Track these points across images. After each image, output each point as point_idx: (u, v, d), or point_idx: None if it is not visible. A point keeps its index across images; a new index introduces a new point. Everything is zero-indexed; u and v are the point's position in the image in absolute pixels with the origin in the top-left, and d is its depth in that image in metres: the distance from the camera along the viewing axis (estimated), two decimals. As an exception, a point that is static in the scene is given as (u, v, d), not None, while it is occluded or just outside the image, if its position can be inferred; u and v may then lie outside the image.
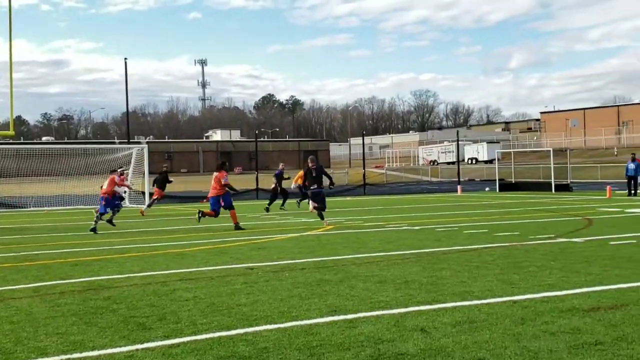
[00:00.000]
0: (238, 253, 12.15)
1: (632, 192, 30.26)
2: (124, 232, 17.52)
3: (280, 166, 28.02)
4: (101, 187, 20.38)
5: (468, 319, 6.39)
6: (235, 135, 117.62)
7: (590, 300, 7.16)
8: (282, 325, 6.33)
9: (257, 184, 37.45)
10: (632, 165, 30.81)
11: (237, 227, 17.45)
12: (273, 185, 27.17)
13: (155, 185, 27.24)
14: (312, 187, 18.47)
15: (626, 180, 31.45)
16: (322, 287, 8.30)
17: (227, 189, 18.27)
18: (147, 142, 66.83)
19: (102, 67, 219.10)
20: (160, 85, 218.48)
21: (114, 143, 79.29)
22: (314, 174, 18.37)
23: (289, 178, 27.74)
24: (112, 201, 19.74)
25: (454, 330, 5.97)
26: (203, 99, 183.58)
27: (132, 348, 5.68)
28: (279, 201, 26.90)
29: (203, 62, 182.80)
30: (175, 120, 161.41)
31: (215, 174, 18.34)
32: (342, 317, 6.63)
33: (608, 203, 25.32)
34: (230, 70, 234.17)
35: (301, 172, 24.37)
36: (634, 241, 12.46)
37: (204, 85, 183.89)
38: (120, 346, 5.76)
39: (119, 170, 23.17)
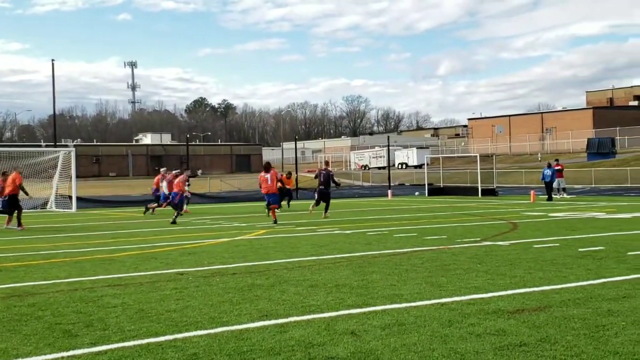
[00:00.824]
0: (168, 258, 12.00)
1: (547, 197, 31.26)
2: (50, 237, 17.05)
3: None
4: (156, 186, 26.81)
5: (397, 322, 6.49)
6: (166, 139, 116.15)
7: (514, 302, 7.36)
8: (212, 331, 6.29)
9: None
10: (548, 172, 31.84)
11: (276, 222, 20.22)
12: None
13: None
14: (321, 187, 23.00)
15: (544, 186, 32.47)
16: (253, 292, 8.28)
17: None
18: (75, 146, 65.25)
19: (28, 68, 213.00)
20: (88, 88, 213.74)
21: (40, 146, 77.07)
22: (322, 179, 22.98)
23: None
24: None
25: (383, 333, 6.05)
26: (133, 102, 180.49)
27: (58, 356, 5.55)
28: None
29: (133, 65, 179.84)
30: (104, 124, 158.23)
31: (264, 174, 21.14)
32: (273, 321, 6.63)
33: (532, 207, 26.08)
34: (161, 73, 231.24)
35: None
36: (557, 244, 12.87)
37: (133, 87, 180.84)
38: (45, 354, 5.62)
39: (162, 170, 27.69)
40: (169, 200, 23.80)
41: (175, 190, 22.55)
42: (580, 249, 11.95)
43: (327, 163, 23.77)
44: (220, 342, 5.89)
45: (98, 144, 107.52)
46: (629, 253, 11.27)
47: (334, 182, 23.86)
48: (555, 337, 5.80)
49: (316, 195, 23.62)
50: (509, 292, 7.97)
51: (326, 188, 22.89)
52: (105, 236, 17.26)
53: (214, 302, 7.71)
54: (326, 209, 22.66)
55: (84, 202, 34.07)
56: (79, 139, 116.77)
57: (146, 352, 5.61)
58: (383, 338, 5.89)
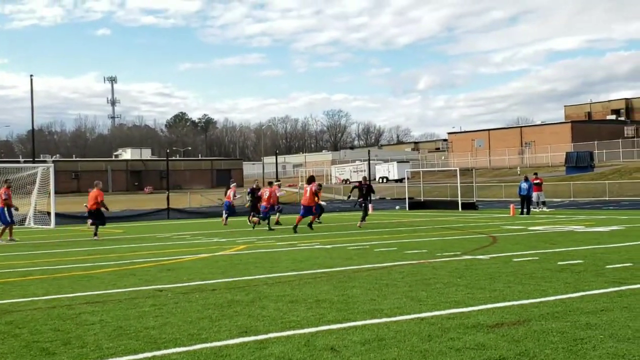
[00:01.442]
0: (147, 275, 11.91)
1: (525, 211, 31.36)
2: (28, 254, 16.87)
3: (255, 184, 29.03)
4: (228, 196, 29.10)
5: (377, 337, 6.48)
6: (146, 154, 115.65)
7: (494, 316, 7.39)
8: (191, 348, 6.24)
9: (168, 203, 36.86)
10: (525, 185, 32.00)
11: (310, 225, 23.22)
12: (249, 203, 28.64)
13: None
14: (359, 199, 25.99)
15: (519, 199, 32.58)
16: (232, 308, 8.23)
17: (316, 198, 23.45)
18: (54, 161, 64.72)
19: (6, 83, 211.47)
20: (67, 103, 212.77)
21: (18, 162, 76.42)
22: (364, 191, 25.86)
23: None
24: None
25: (363, 349, 6.04)
26: (113, 117, 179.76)
27: (34, 375, 5.48)
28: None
29: (113, 80, 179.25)
30: (83, 139, 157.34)
31: (307, 186, 23.68)
32: (252, 338, 6.60)
33: (512, 221, 26.23)
34: (141, 88, 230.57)
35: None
36: (537, 258, 12.94)
37: (113, 103, 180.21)
38: (20, 374, 5.54)
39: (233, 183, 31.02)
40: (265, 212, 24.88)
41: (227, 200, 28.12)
42: (559, 263, 12.02)
43: (365, 178, 27.45)
44: (199, 359, 5.85)
45: (77, 159, 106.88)
46: (608, 266, 11.36)
47: (373, 192, 27.42)
48: (534, 351, 5.82)
49: (360, 206, 26.20)
50: (489, 306, 7.99)
51: (365, 200, 25.84)
52: (83, 253, 17.11)
53: (193, 318, 7.66)
54: (363, 218, 25.28)
55: (63, 218, 33.76)
56: (57, 155, 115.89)
57: (124, 370, 5.55)
58: (363, 354, 5.88)
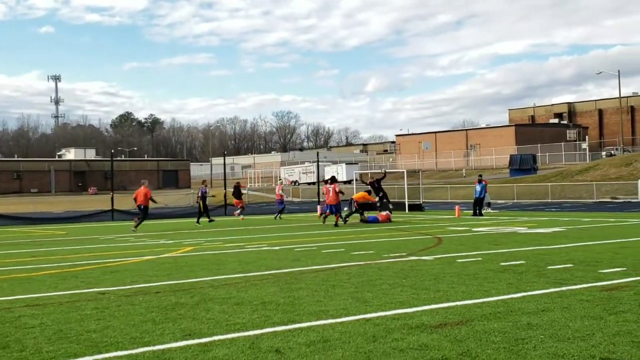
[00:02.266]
0: (89, 277, 11.68)
1: (478, 212, 31.83)
2: (-36, 257, 16.35)
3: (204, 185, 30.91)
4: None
5: (322, 338, 6.48)
6: (90, 154, 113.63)
7: (438, 316, 7.47)
8: (133, 352, 6.14)
9: (112, 205, 36.23)
10: (478, 187, 32.47)
11: (337, 224, 25.36)
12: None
13: (235, 197, 34.15)
14: (379, 198, 29.62)
15: (472, 201, 33.06)
16: (177, 311, 8.13)
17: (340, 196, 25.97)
18: (-6, 161, 63.05)
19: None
20: (8, 102, 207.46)
21: (-44, 161, 74.24)
22: (380, 193, 29.63)
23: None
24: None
25: (307, 350, 6.04)
26: (56, 116, 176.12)
27: (-32, 382, 5.32)
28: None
29: (57, 78, 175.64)
30: (25, 138, 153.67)
31: (328, 186, 26.27)
32: (196, 341, 6.53)
33: (457, 222, 26.60)
34: (85, 87, 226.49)
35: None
36: (480, 258, 13.14)
37: (57, 102, 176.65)
38: (-46, 380, 5.37)
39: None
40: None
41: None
42: (502, 263, 12.23)
43: (372, 177, 31.38)
44: (141, 363, 5.76)
45: (19, 159, 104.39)
46: (549, 267, 11.60)
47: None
48: (476, 351, 5.90)
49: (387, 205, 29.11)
50: (433, 306, 8.08)
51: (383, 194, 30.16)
52: (24, 254, 16.68)
53: (136, 321, 7.53)
54: (387, 210, 28.87)
55: (4, 219, 32.93)
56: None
57: (63, 375, 5.43)
58: (307, 355, 5.87)
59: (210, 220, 28.45)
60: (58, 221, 34.78)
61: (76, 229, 27.84)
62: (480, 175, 36.30)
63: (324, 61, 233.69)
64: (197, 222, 28.52)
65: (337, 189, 25.81)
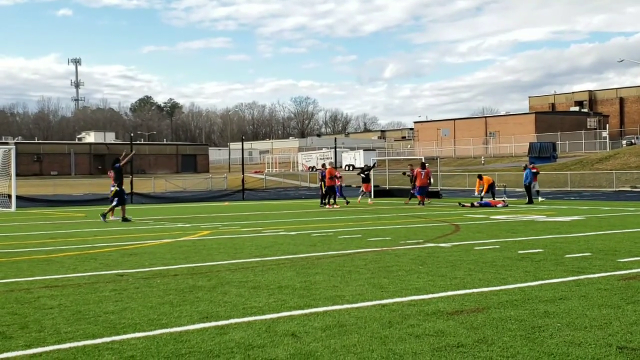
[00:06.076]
0: (108, 259, 11.78)
1: (528, 199, 31.59)
2: (-15, 238, 16.56)
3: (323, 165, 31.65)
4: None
5: (338, 323, 6.50)
6: (110, 137, 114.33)
7: (454, 303, 7.46)
8: (150, 333, 6.19)
9: (131, 188, 36.47)
10: (526, 173, 32.42)
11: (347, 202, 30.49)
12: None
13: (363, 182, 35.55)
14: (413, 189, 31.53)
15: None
16: (194, 294, 8.19)
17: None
18: (16, 143, 63.67)
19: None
20: (28, 84, 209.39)
21: (-22, 143, 74.88)
22: (423, 176, 30.27)
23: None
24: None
25: (323, 335, 6.06)
26: (76, 100, 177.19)
27: (-11, 359, 5.40)
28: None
29: (77, 62, 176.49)
30: (46, 121, 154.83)
31: (420, 170, 29.97)
32: (213, 323, 6.57)
33: (474, 210, 26.49)
34: (103, 70, 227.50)
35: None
36: (497, 246, 13.09)
37: (77, 85, 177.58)
38: (-25, 358, 5.45)
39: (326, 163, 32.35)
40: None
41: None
42: (519, 251, 12.18)
43: (411, 165, 34.01)
44: (158, 344, 5.81)
45: (40, 141, 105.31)
46: (567, 256, 11.54)
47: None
48: (492, 338, 5.89)
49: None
50: (449, 293, 8.07)
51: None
52: (44, 236, 16.86)
53: (153, 303, 7.60)
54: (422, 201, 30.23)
55: (24, 201, 33.24)
56: (19, 137, 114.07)
57: (82, 355, 5.50)
58: (323, 339, 5.89)
59: (348, 202, 31.27)
60: (77, 203, 35.09)
61: (95, 212, 28.06)
62: (530, 162, 36.08)
63: (341, 47, 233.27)
64: (321, 203, 30.01)
65: (429, 174, 30.28)
